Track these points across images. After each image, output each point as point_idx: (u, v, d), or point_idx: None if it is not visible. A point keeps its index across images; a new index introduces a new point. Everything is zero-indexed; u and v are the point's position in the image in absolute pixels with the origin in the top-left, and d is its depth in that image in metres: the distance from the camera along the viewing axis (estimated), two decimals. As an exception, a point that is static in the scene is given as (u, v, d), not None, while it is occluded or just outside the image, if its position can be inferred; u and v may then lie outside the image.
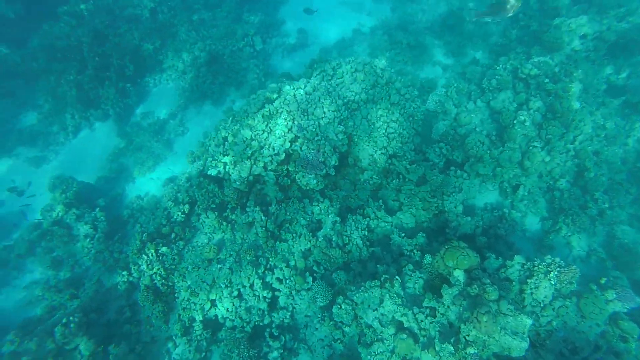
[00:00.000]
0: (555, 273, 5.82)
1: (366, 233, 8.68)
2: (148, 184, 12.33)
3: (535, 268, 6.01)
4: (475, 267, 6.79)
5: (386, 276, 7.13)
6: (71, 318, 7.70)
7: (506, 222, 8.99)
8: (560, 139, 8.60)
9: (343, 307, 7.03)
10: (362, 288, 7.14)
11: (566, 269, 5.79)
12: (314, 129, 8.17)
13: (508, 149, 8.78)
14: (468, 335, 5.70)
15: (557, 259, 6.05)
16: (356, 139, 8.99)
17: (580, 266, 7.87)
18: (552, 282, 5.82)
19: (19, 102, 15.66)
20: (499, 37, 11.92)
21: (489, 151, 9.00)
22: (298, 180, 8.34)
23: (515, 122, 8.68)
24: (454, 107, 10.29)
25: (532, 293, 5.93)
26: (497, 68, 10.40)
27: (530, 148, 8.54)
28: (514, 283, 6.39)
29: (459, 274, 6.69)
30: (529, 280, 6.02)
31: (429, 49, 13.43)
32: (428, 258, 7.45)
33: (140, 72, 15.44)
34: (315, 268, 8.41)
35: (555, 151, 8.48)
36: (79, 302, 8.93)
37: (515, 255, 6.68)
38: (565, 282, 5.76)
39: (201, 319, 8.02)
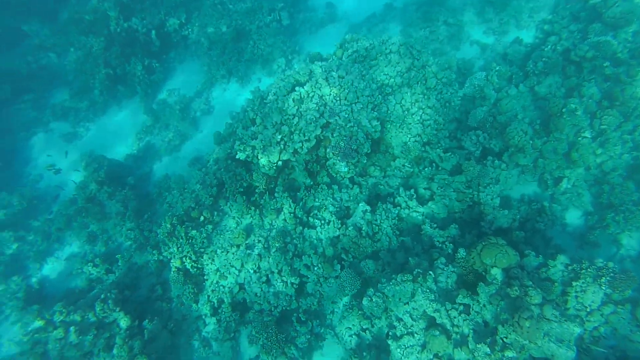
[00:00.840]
0: (608, 279, 5.45)
1: (396, 222, 8.45)
2: (175, 163, 12.41)
3: (583, 271, 5.65)
4: (514, 266, 6.49)
5: (419, 270, 6.94)
6: (108, 294, 8.01)
7: (545, 215, 8.53)
8: (617, 129, 7.90)
9: (374, 299, 6.94)
10: (393, 281, 7.00)
11: (623, 276, 5.39)
12: (346, 115, 7.83)
13: (554, 140, 8.19)
14: (506, 338, 5.50)
15: (611, 264, 5.65)
16: (389, 126, 8.59)
17: (630, 266, 7.40)
18: (603, 288, 5.46)
19: (51, 77, 15.88)
20: (548, 14, 10.91)
21: (531, 141, 8.43)
22: (329, 168, 8.12)
23: (564, 110, 8.02)
24: (493, 92, 9.62)
25: (577, 297, 5.62)
26: (545, 49, 9.57)
27: (580, 139, 7.93)
28: (556, 284, 6.07)
29: (496, 273, 6.43)
30: (574, 283, 5.68)
31: (467, 27, 12.51)
32: (462, 252, 7.18)
33: (165, 48, 15.26)
34: (343, 256, 8.31)
35: (609, 143, 7.82)
36: (114, 278, 9.25)
37: (559, 255, 6.31)
38: (620, 289, 5.38)
39: (230, 301, 8.16)
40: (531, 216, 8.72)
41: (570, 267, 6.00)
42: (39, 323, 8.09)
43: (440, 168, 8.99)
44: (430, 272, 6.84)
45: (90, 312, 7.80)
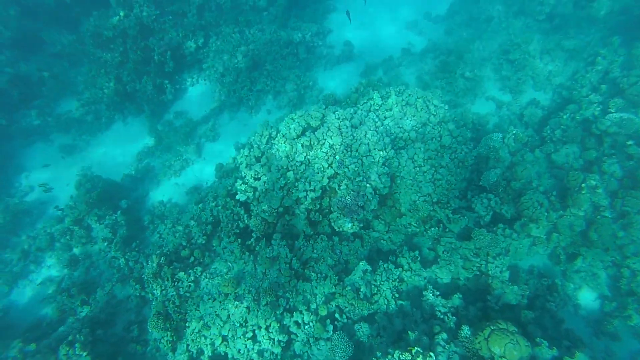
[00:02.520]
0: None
1: (397, 284, 7.92)
2: (172, 189, 11.97)
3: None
4: (525, 358, 5.89)
5: (418, 349, 6.32)
6: (78, 336, 7.34)
7: (557, 294, 7.97)
8: None
9: (367, 378, 6.28)
10: (389, 357, 6.38)
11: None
12: (355, 168, 7.45)
13: (570, 215, 7.77)
14: None
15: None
16: (399, 181, 8.20)
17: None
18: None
19: (61, 86, 15.71)
20: (566, 80, 10.79)
21: (546, 213, 8.01)
22: (332, 221, 7.65)
23: (584, 185, 7.65)
24: (509, 155, 9.32)
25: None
26: (564, 117, 9.34)
27: (599, 218, 7.50)
28: (571, 386, 5.46)
29: (505, 365, 5.82)
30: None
31: (484, 82, 12.42)
32: (466, 331, 6.61)
33: (179, 70, 15.15)
34: (337, 315, 7.71)
35: (633, 227, 7.38)
36: (89, 311, 8.60)
37: (577, 353, 5.74)
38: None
39: (210, 354, 7.48)
40: (541, 292, 8.17)
41: (589, 371, 5.40)
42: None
43: (447, 230, 8.54)
44: (431, 354, 6.22)
45: (52, 357, 7.08)
